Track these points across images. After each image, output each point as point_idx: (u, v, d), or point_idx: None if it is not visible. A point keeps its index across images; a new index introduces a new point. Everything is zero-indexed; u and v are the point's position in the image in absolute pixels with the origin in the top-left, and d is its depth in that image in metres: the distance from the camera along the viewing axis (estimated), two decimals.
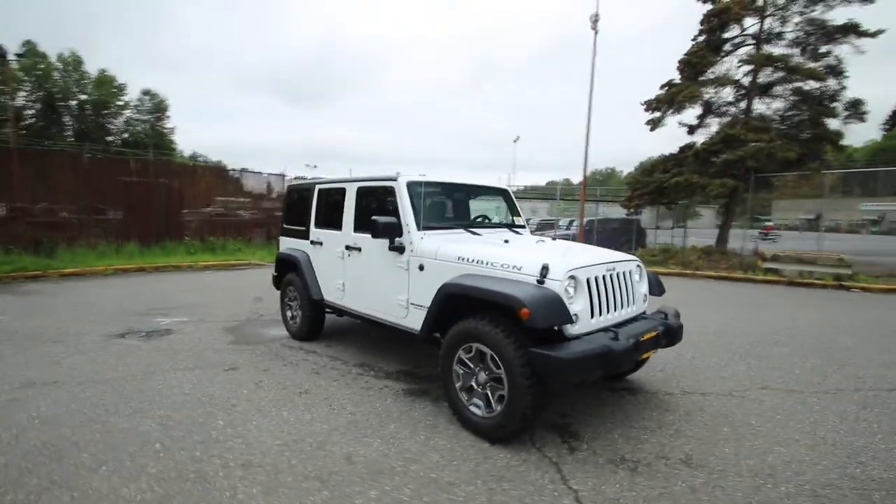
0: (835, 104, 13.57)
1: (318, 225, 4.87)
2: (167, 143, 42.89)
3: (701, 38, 14.25)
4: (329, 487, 2.42)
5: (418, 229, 3.66)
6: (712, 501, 2.37)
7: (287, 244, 5.43)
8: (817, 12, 13.54)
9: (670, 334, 3.29)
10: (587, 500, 2.36)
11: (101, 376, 3.98)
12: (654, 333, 3.10)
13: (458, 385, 3.11)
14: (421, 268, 3.55)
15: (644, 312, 3.54)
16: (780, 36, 14.36)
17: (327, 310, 4.98)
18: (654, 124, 14.86)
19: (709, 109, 15.53)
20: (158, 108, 42.41)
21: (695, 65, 13.91)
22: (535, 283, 2.83)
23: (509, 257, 3.07)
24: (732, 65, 14.31)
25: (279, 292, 5.57)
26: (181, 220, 13.65)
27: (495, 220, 4.61)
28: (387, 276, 3.87)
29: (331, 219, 4.69)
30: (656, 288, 3.72)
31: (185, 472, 2.53)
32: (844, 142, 13.76)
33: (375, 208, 4.20)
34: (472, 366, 3.04)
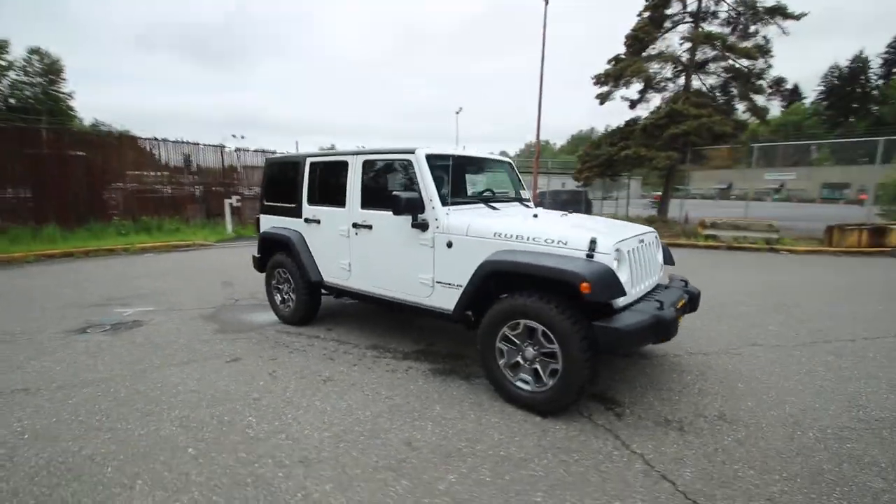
0: (761, 81, 14.80)
1: (312, 201, 4.53)
2: (63, 110, 37.75)
3: (646, 14, 14.76)
4: (405, 476, 2.33)
5: (443, 204, 3.52)
6: (761, 452, 2.58)
7: (271, 223, 5.02)
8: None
9: (693, 301, 3.48)
10: (655, 461, 2.47)
11: (81, 378, 3.50)
12: (684, 301, 3.26)
13: (501, 362, 3.10)
14: (449, 245, 3.43)
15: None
16: (714, 15, 15.27)
17: (324, 292, 4.73)
18: (604, 98, 15.38)
19: (649, 84, 16.30)
20: (51, 69, 37.00)
21: (641, 40, 14.44)
22: (585, 257, 2.83)
23: (551, 232, 3.04)
24: (674, 41, 15.05)
25: (263, 275, 5.18)
26: (106, 198, 12.19)
27: (501, 193, 4.54)
28: (406, 254, 3.70)
29: (329, 195, 4.38)
30: (669, 257, 3.90)
31: (238, 478, 2.31)
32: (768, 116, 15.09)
33: (385, 183, 3.99)
34: (517, 342, 3.02)
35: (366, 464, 2.43)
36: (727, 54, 13.98)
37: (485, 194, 4.38)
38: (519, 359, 3.04)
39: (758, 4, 13.83)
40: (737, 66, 14.74)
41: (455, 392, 3.31)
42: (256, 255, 5.25)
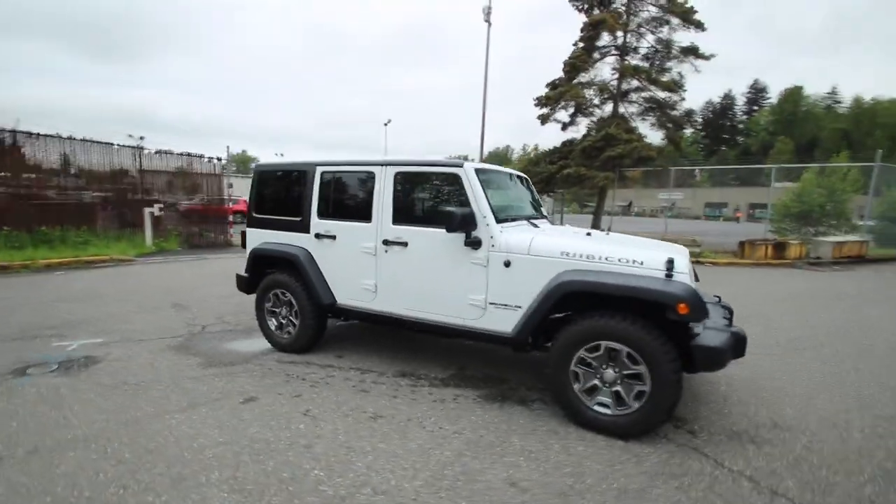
0: (675, 112, 16.62)
1: (324, 215, 4.08)
2: None
3: (581, 45, 15.90)
4: None
5: (497, 221, 3.36)
6: (832, 456, 2.74)
7: (263, 238, 4.45)
8: (664, 33, 16.30)
9: (731, 316, 3.67)
10: (756, 477, 2.52)
11: (56, 438, 2.74)
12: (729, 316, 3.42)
13: (576, 386, 2.99)
14: (507, 264, 3.27)
15: None
16: (636, 50, 16.91)
17: (331, 316, 4.29)
18: (545, 119, 16.21)
19: (579, 109, 17.54)
20: None
21: (577, 67, 15.50)
22: (664, 277, 2.85)
23: (623, 252, 3.03)
24: (602, 71, 16.38)
25: (253, 297, 4.56)
26: None
27: (526, 208, 4.47)
28: (453, 274, 3.47)
29: (348, 208, 3.99)
30: (696, 275, 4.10)
31: None
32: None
33: (424, 197, 3.73)
34: (595, 365, 2.94)
35: None
36: (648, 86, 15.51)
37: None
38: (596, 382, 2.95)
39: (675, 44, 15.58)
40: (655, 97, 16.41)
41: (521, 420, 3.12)
42: (243, 273, 4.61)
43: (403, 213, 3.70)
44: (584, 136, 15.92)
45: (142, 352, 4.29)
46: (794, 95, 69.84)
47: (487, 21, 16.13)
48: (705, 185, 51.42)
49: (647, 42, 16.42)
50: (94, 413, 3.07)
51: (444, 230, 3.44)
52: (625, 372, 2.85)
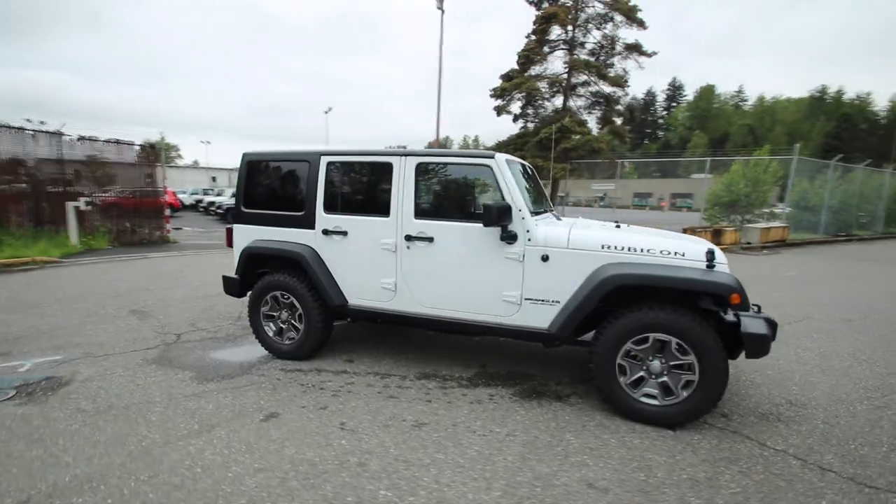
0: (619, 106, 17.45)
1: (332, 209, 3.76)
2: None
3: (534, 37, 16.15)
4: None
5: (532, 214, 3.27)
6: (851, 429, 2.97)
7: (257, 235, 4.03)
8: (608, 29, 16.98)
9: None
10: (801, 455, 2.66)
11: (52, 481, 2.29)
12: None
13: (622, 379, 2.99)
14: (545, 258, 3.19)
15: None
16: (582, 45, 17.48)
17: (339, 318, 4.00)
18: (500, 110, 16.33)
19: (530, 101, 17.90)
20: None
21: (531, 59, 15.74)
22: (705, 268, 2.92)
23: (663, 244, 3.06)
24: (553, 65, 16.79)
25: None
26: None
27: (540, 200, 4.40)
28: (486, 269, 3.33)
29: (361, 201, 3.71)
30: None
31: None
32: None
33: (451, 190, 3.55)
34: (642, 356, 2.96)
35: None
36: (598, 81, 16.13)
37: None
38: (643, 373, 2.97)
39: (619, 40, 16.28)
40: (602, 91, 17.11)
41: (566, 416, 3.08)
42: (234, 275, 4.16)
43: (428, 206, 3.50)
44: (539, 128, 16.26)
45: (115, 368, 3.73)
46: (707, 93, 76.34)
47: (440, 9, 15.85)
48: (633, 177, 54.96)
49: (593, 38, 17.03)
50: (87, 446, 2.61)
51: (474, 224, 3.32)
52: (672, 363, 2.89)
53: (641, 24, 16.26)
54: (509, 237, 3.22)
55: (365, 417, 3.00)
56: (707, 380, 2.80)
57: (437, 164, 3.51)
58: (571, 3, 16.50)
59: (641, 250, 3.04)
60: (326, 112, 38.00)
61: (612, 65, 17.35)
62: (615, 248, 3.07)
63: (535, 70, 16.70)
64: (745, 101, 76.83)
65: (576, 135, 14.71)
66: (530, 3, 16.49)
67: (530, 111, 18.33)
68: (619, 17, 16.48)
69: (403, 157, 3.54)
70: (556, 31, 16.28)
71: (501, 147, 17.52)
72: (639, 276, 2.90)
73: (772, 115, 68.48)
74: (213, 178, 38.26)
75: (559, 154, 15.12)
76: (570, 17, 15.42)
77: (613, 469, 2.49)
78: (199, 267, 8.43)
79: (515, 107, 17.79)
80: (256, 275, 4.13)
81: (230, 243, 4.23)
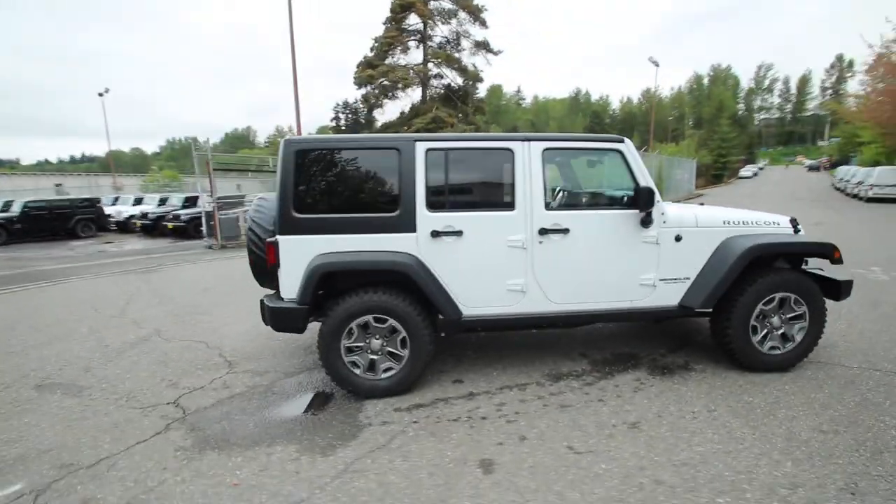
0: (469, 100, 18.62)
1: (437, 207, 3.13)
2: None
3: (392, 24, 15.84)
4: None
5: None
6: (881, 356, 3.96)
7: (324, 246, 3.08)
8: (452, 25, 17.85)
9: None
10: (869, 365, 3.47)
11: None
12: None
13: (755, 338, 3.37)
14: (678, 238, 3.33)
15: None
16: (430, 38, 17.99)
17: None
18: (373, 99, 15.57)
19: (385, 91, 17.66)
20: None
21: (393, 46, 15.45)
22: (793, 233, 3.50)
23: (760, 216, 3.54)
24: (412, 56, 16.85)
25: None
26: None
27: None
28: (624, 255, 3.29)
29: (476, 195, 3.22)
30: None
31: None
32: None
33: (577, 177, 3.36)
34: (769, 314, 3.37)
35: None
36: (457, 75, 16.87)
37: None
38: (767, 329, 3.40)
39: (469, 36, 17.28)
40: (453, 84, 17.99)
41: (717, 382, 3.30)
42: (291, 303, 3.08)
43: (562, 195, 3.25)
44: (408, 118, 16.16)
45: (137, 480, 2.41)
46: (496, 92, 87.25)
47: None
48: None
49: (441, 32, 17.67)
50: None
51: (611, 211, 3.27)
52: (789, 315, 3.40)
53: (483, 22, 17.56)
54: (648, 221, 3.25)
55: (575, 434, 2.67)
56: (814, 323, 3.38)
57: (565, 149, 3.27)
58: None
59: (752, 223, 3.45)
60: (101, 94, 29.93)
61: (459, 59, 18.32)
62: (733, 222, 3.41)
63: (394, 60, 16.47)
64: (524, 100, 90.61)
65: (449, 127, 15.17)
66: None
67: (386, 101, 18.06)
68: (463, 14, 17.48)
69: (526, 143, 3.18)
70: (412, 20, 16.33)
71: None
72: (774, 244, 3.29)
73: (546, 112, 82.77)
74: (58, 185, 26.78)
75: None
76: (428, 7, 15.66)
77: (814, 414, 2.83)
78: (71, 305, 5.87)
79: (358, 93, 17.21)
80: (324, 298, 3.18)
81: (275, 260, 3.13)
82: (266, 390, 3.40)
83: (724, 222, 3.42)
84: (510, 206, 3.19)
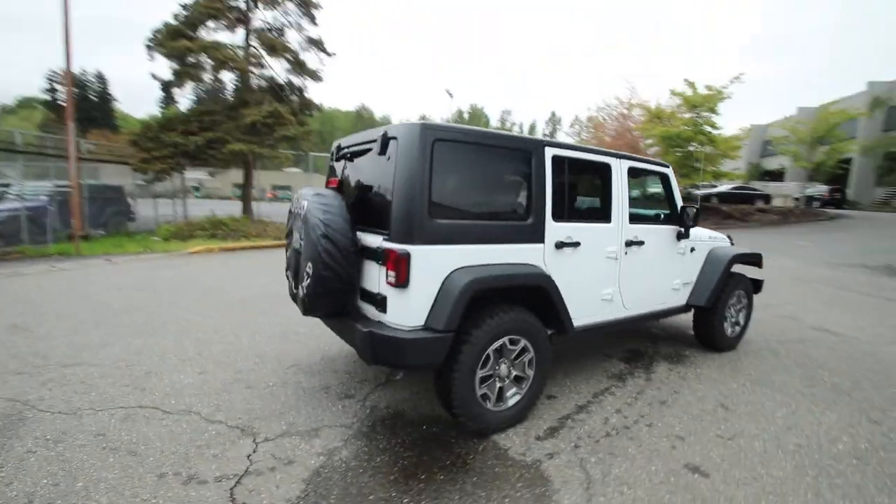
0: (294, 97, 17.11)
1: (561, 216, 2.99)
2: None
3: None
4: None
5: None
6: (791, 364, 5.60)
7: (462, 259, 2.57)
8: (278, 13, 16.19)
9: None
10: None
11: None
12: None
13: (725, 324, 4.38)
14: (692, 249, 4.07)
15: None
16: (250, 21, 15.85)
17: None
18: (181, 77, 12.51)
19: (186, 72, 14.67)
20: None
21: (217, 19, 12.99)
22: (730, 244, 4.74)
23: (714, 232, 4.62)
24: (233, 35, 14.48)
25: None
26: None
27: None
28: (668, 264, 3.84)
29: (586, 206, 3.22)
30: None
31: None
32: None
33: (644, 194, 3.74)
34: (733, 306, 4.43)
35: None
36: (272, 61, 15.21)
37: None
38: (731, 316, 4.46)
39: (292, 28, 15.85)
40: (279, 79, 16.28)
41: (752, 366, 4.12)
42: (442, 329, 2.42)
43: (636, 210, 3.54)
44: (234, 107, 13.69)
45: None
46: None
47: None
48: (231, 168, 52.67)
49: (263, 17, 15.79)
50: None
51: (664, 227, 3.80)
52: (740, 304, 4.55)
53: (313, 18, 16.53)
54: (685, 235, 3.88)
55: (709, 418, 2.99)
56: (749, 307, 4.62)
57: (640, 169, 3.58)
58: None
59: (717, 237, 4.49)
60: None
61: (297, 53, 16.69)
62: (710, 237, 4.38)
63: (221, 37, 13.76)
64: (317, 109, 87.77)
65: (290, 124, 13.54)
66: None
67: (189, 81, 14.95)
68: (291, 5, 16.04)
69: (619, 160, 3.38)
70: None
71: (173, 124, 13.33)
72: (743, 254, 4.35)
73: (332, 123, 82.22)
74: None
75: (277, 141, 13.50)
76: None
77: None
78: None
79: (166, 71, 14.13)
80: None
81: (405, 277, 2.41)
82: (356, 463, 2.53)
83: (709, 237, 4.35)
84: (608, 218, 3.31)
